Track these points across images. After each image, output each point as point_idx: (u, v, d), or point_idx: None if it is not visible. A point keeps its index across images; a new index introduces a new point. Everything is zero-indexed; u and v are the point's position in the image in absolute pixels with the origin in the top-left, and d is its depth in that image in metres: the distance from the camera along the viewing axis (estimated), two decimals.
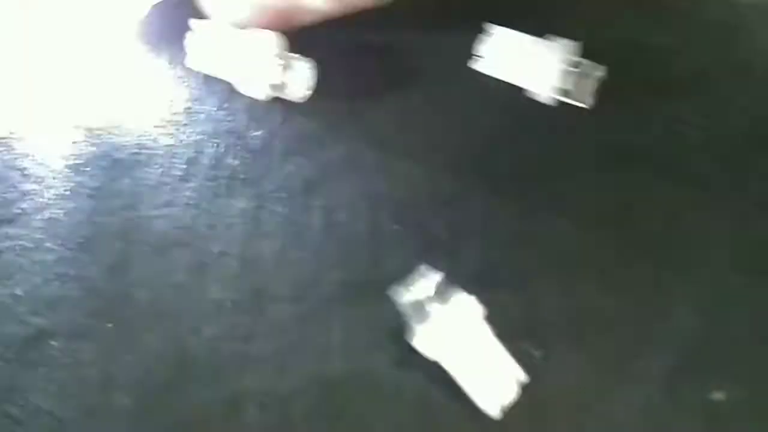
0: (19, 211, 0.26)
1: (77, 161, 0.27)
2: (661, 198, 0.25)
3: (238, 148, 0.27)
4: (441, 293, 0.23)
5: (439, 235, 0.25)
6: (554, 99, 0.26)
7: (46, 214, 0.26)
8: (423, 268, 0.23)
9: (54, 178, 0.27)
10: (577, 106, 0.26)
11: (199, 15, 0.27)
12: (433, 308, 0.23)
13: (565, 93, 0.26)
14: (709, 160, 0.26)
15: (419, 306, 0.23)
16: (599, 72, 0.26)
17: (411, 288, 0.23)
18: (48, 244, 0.26)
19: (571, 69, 0.26)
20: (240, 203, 0.26)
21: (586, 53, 0.26)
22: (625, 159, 0.26)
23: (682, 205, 0.25)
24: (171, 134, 0.27)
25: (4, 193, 0.26)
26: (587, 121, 0.26)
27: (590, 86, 0.26)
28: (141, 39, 0.29)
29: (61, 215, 0.26)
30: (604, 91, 0.26)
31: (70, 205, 0.26)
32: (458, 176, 0.26)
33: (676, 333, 0.23)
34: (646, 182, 0.25)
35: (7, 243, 0.26)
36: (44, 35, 0.29)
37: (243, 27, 0.26)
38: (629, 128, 0.26)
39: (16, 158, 0.27)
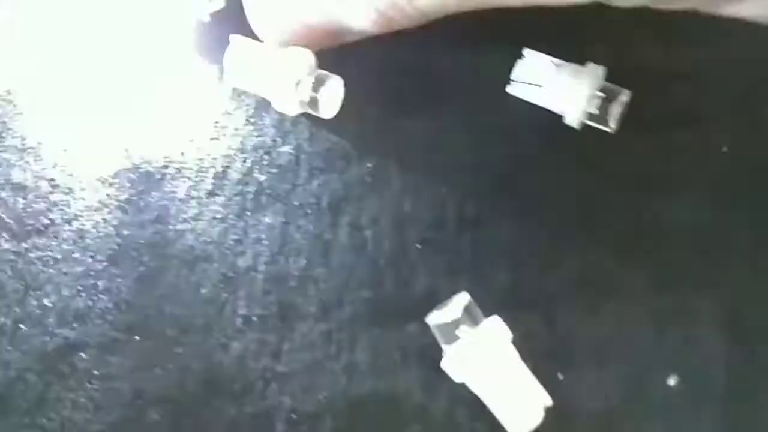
0: (48, 221, 0.26)
1: (106, 173, 0.27)
2: (686, 224, 0.25)
3: (266, 163, 0.27)
4: (470, 315, 0.23)
5: (464, 256, 0.26)
6: (580, 123, 0.26)
7: (75, 225, 0.26)
8: (451, 288, 0.24)
9: (83, 189, 0.27)
10: (603, 131, 0.26)
11: (244, 32, 0.27)
12: (462, 330, 0.23)
13: (591, 117, 0.26)
14: (737, 188, 0.26)
15: (448, 328, 0.23)
16: (625, 96, 0.26)
17: (440, 309, 0.23)
18: (76, 255, 0.26)
19: (597, 93, 0.26)
20: (267, 219, 0.26)
21: (613, 78, 0.26)
22: (650, 184, 0.26)
23: (708, 231, 0.25)
24: (199, 148, 0.27)
25: (33, 203, 0.27)
26: (613, 145, 0.27)
27: (616, 110, 0.26)
28: (176, 52, 0.29)
29: (90, 227, 0.26)
30: (630, 116, 0.26)
31: (99, 217, 0.26)
32: (485, 197, 0.26)
33: (701, 359, 0.23)
34: (672, 208, 0.26)
35: (36, 254, 0.26)
36: (78, 40, 0.29)
37: (287, 45, 0.26)
38: (655, 154, 0.27)
39: (44, 168, 0.27)
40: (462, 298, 0.23)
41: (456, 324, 0.23)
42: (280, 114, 0.27)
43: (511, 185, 0.27)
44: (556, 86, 0.26)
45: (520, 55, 0.27)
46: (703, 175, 0.26)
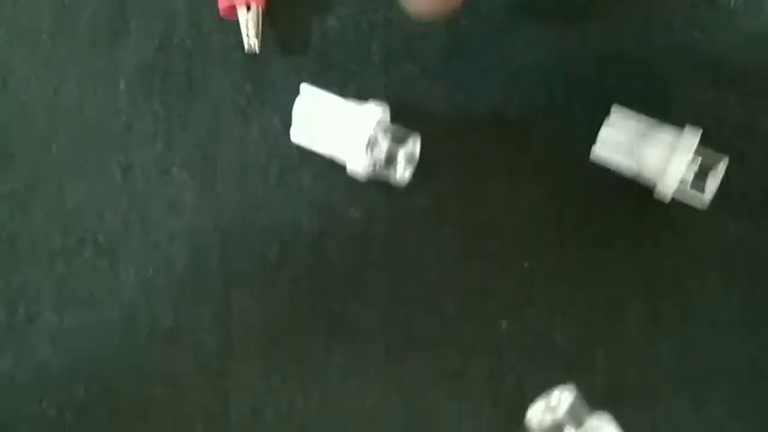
0: None
1: None
2: None
3: (337, 229, 0.25)
4: (574, 413, 0.21)
5: (559, 343, 0.24)
6: (668, 194, 0.24)
7: None
8: (553, 384, 0.22)
9: None
10: (692, 203, 0.24)
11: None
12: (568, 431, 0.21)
13: (683, 188, 0.24)
14: None
15: (555, 428, 0.21)
16: (723, 164, 0.23)
17: (543, 406, 0.21)
18: None
19: (694, 161, 0.23)
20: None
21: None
22: (748, 260, 0.25)
23: None
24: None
25: None
26: (703, 218, 0.25)
27: (713, 182, 0.24)
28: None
29: None
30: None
31: None
32: (573, 277, 0.25)
33: None
34: None
35: None
36: None
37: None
38: (749, 227, 0.25)
39: None
40: (565, 393, 0.22)
41: (561, 423, 0.21)
42: (352, 176, 0.25)
43: (598, 263, 0.25)
44: (641, 151, 0.24)
45: (607, 115, 0.25)
46: None
